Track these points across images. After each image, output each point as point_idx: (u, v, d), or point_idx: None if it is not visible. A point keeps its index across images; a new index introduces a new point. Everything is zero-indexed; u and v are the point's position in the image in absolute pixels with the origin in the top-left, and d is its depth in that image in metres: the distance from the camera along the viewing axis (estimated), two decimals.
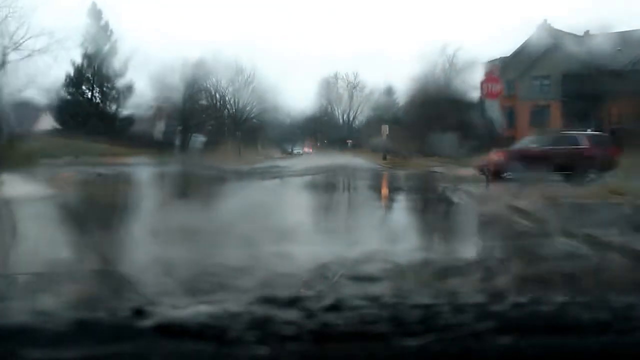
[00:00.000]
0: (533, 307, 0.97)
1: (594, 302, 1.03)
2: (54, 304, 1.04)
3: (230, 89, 42.86)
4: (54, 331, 0.90)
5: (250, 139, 44.98)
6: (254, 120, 45.53)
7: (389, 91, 47.86)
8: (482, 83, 13.97)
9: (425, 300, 0.98)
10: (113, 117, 31.79)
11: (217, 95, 41.88)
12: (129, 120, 32.51)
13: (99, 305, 1.04)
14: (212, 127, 43.97)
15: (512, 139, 38.10)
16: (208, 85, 38.24)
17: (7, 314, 0.95)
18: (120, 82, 32.68)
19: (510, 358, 0.91)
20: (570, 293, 1.05)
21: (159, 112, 27.85)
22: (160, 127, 27.51)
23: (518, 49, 35.54)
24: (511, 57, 35.65)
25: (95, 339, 0.89)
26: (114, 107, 32.69)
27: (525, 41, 35.72)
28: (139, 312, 0.93)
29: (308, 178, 18.15)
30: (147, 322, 0.91)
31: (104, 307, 0.99)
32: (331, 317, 0.93)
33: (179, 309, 0.94)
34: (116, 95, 32.50)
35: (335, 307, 0.95)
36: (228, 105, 44.67)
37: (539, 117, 33.24)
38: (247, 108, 44.77)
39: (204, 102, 38.45)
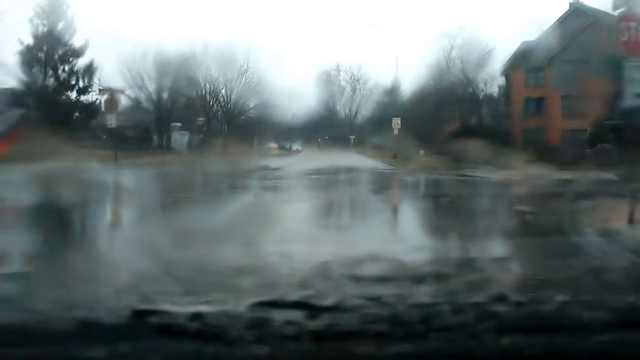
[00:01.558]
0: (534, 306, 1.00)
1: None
2: (54, 304, 1.04)
3: (222, 79, 37.46)
4: (54, 331, 0.93)
5: (245, 135, 39.83)
6: (251, 115, 40.28)
7: (395, 84, 43.46)
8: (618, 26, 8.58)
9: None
10: (71, 107, 25.83)
11: (207, 87, 36.46)
12: (91, 110, 26.28)
13: (98, 305, 1.05)
14: (202, 122, 38.59)
15: (541, 130, 32.95)
16: (196, 75, 32.68)
17: (7, 314, 0.98)
18: (79, 66, 26.68)
19: (510, 357, 0.93)
20: None
21: (112, 98, 22.13)
22: (113, 118, 21.67)
23: (546, 31, 30.57)
24: (538, 41, 30.48)
25: (96, 338, 0.92)
26: (72, 95, 26.65)
27: (555, 22, 30.62)
28: (139, 312, 0.96)
29: (299, 193, 11.47)
30: (147, 322, 0.94)
31: (104, 307, 1.01)
32: (331, 317, 0.95)
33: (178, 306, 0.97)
34: (74, 81, 26.49)
35: (335, 307, 0.97)
36: (220, 98, 39.26)
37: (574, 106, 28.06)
38: (241, 101, 39.46)
39: (192, 93, 32.92)
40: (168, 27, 64.31)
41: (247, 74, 39.77)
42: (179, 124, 37.10)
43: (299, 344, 0.91)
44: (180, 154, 27.55)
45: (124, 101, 27.21)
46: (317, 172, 18.31)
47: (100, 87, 26.96)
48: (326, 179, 15.82)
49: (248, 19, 74.84)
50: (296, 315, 0.94)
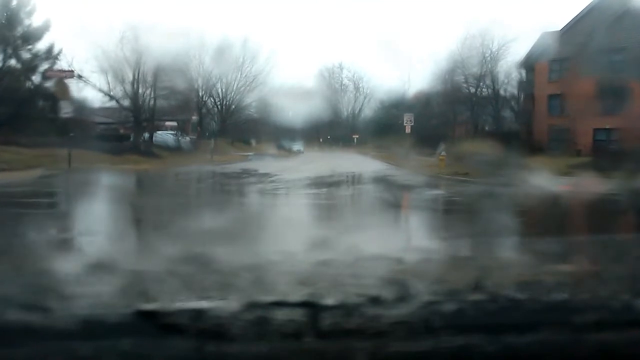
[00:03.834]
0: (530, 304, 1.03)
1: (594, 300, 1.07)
2: (57, 301, 1.04)
3: (216, 72, 33.95)
4: (57, 329, 0.93)
5: (242, 135, 36.22)
6: (248, 112, 36.84)
7: (401, 81, 40.36)
8: None
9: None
10: (29, 98, 21.92)
11: (199, 81, 32.76)
12: (55, 102, 22.22)
13: (100, 302, 1.05)
14: (194, 121, 34.86)
15: (567, 131, 29.34)
16: (187, 66, 28.97)
17: (11, 312, 0.98)
18: (39, 48, 22.81)
19: (509, 355, 0.94)
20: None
21: (61, 82, 18.34)
22: (67, 106, 17.94)
23: (574, 19, 27.02)
24: (565, 29, 26.93)
25: (98, 337, 0.92)
26: (30, 83, 22.71)
27: (585, 9, 27.00)
28: (142, 311, 0.97)
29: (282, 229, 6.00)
30: (149, 320, 0.96)
31: (106, 304, 1.02)
32: (332, 315, 0.96)
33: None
34: (34, 66, 22.66)
35: (336, 306, 0.99)
36: (214, 94, 35.75)
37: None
38: (238, 97, 36.06)
39: (180, 86, 29.18)
40: (155, 13, 59.78)
41: (244, 68, 36.12)
42: (175, 123, 33.41)
43: (300, 342, 0.91)
44: (160, 157, 23.91)
45: (78, 86, 23.13)
46: (316, 183, 14.53)
47: (46, 70, 22.99)
48: (327, 196, 11.98)
49: (245, 10, 71.28)
50: (297, 313, 0.94)
